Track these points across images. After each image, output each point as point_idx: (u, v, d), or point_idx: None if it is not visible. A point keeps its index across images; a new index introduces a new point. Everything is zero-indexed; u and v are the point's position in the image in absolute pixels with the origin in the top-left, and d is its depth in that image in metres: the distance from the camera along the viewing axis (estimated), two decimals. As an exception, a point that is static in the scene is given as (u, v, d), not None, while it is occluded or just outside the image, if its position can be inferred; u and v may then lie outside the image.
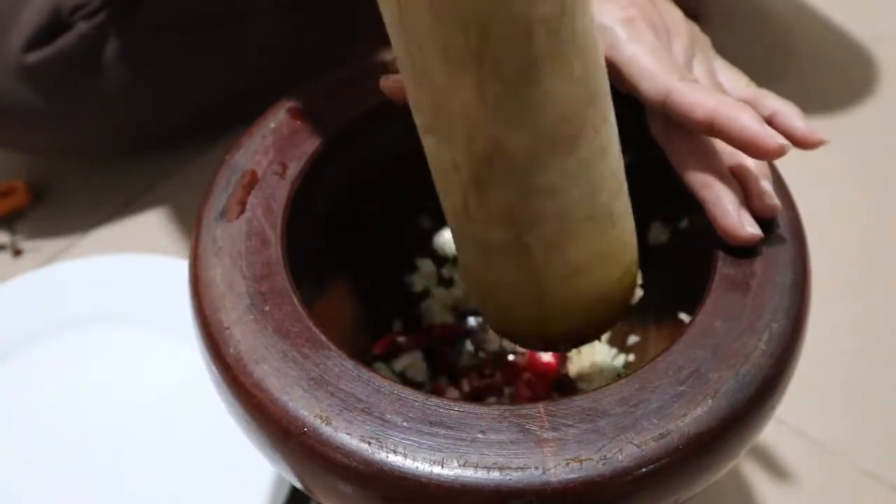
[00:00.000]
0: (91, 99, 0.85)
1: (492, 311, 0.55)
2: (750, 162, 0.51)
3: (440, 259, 0.68)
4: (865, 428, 0.75)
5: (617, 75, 0.52)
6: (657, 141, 0.53)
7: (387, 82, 0.54)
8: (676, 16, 0.55)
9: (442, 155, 0.48)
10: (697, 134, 0.50)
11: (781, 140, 0.47)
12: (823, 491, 0.71)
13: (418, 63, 0.44)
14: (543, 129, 0.45)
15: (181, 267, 0.68)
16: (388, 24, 0.44)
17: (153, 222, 0.90)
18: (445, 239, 0.67)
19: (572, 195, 0.47)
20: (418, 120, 0.47)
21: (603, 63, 0.46)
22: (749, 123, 0.48)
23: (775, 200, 0.50)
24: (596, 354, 0.65)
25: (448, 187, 0.49)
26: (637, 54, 0.51)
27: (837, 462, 0.72)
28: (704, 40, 0.57)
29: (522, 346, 0.58)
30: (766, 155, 0.48)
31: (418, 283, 0.68)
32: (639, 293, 0.56)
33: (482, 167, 0.46)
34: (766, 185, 0.51)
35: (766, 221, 0.50)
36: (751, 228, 0.49)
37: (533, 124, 0.44)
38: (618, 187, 0.50)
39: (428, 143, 0.48)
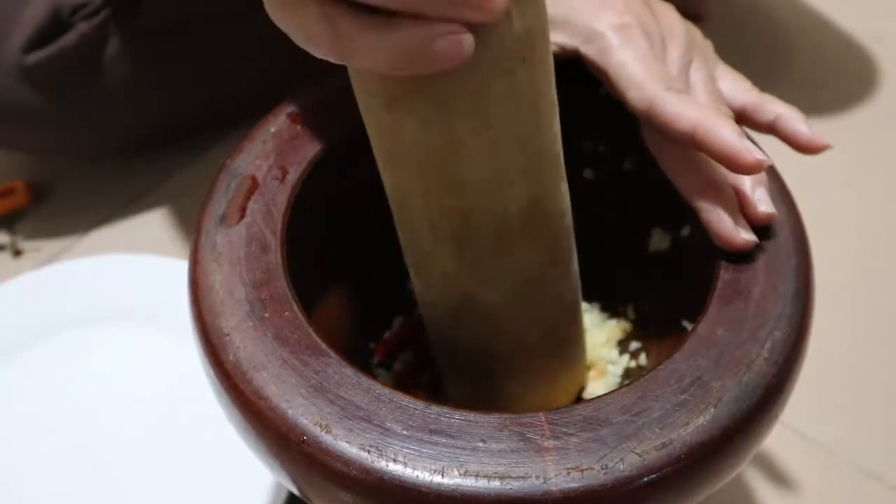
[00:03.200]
0: (91, 99, 0.85)
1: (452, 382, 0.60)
2: None
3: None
4: (865, 428, 0.75)
5: (606, 82, 0.52)
6: (650, 149, 0.53)
7: None
8: (675, 22, 0.55)
9: (422, 292, 0.54)
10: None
11: (759, 155, 0.47)
12: (823, 491, 0.71)
13: (409, 223, 0.50)
14: (510, 288, 0.51)
15: (181, 267, 0.68)
16: (386, 186, 0.49)
17: (153, 222, 0.90)
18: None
19: (534, 334, 0.54)
20: (405, 256, 0.53)
21: (569, 225, 0.52)
22: (728, 137, 0.47)
23: (770, 208, 0.50)
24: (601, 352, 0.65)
25: (428, 312, 0.55)
26: (626, 61, 0.51)
27: (837, 462, 0.72)
28: (705, 45, 0.56)
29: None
30: (744, 169, 0.48)
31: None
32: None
33: (457, 308, 0.52)
34: (761, 193, 0.50)
35: (768, 228, 0.50)
36: (746, 235, 0.49)
37: (500, 283, 0.50)
38: (572, 318, 0.57)
39: (413, 278, 0.54)
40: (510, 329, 0.53)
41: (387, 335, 0.66)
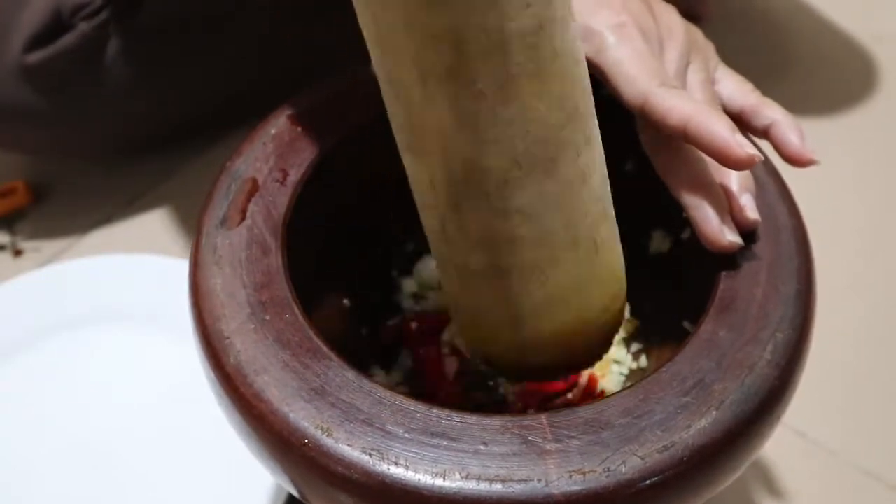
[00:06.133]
0: (91, 99, 0.85)
1: (471, 337, 0.55)
2: (734, 174, 0.51)
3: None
4: (865, 428, 0.75)
5: (604, 80, 0.52)
6: (645, 150, 0.53)
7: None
8: (674, 22, 0.55)
9: (420, 175, 0.47)
10: (683, 143, 0.50)
11: (751, 150, 0.47)
12: (824, 491, 0.71)
13: (395, 79, 0.44)
14: (520, 150, 0.44)
15: (181, 267, 0.68)
16: (367, 41, 0.44)
17: (153, 222, 0.90)
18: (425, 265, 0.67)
19: (552, 220, 0.47)
20: (398, 138, 0.47)
21: (587, 83, 0.46)
22: (720, 131, 0.47)
23: (755, 215, 0.50)
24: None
25: (427, 208, 0.49)
26: (621, 59, 0.51)
27: (837, 462, 0.72)
28: (706, 46, 0.57)
29: (501, 374, 0.58)
30: (735, 164, 0.48)
31: (405, 301, 0.68)
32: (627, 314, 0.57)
33: (458, 188, 0.46)
34: (747, 199, 0.50)
35: (770, 230, 0.50)
36: (731, 237, 0.49)
37: (509, 144, 0.44)
38: (602, 212, 0.49)
39: (407, 161, 0.48)
40: (523, 212, 0.46)
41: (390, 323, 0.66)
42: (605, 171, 0.49)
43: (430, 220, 0.50)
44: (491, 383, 0.64)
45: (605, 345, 0.55)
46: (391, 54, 0.43)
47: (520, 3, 0.40)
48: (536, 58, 0.42)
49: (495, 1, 0.40)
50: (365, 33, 0.43)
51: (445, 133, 0.44)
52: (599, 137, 0.48)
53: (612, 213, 0.51)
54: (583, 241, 0.49)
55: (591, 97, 0.46)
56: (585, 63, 0.46)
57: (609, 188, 0.50)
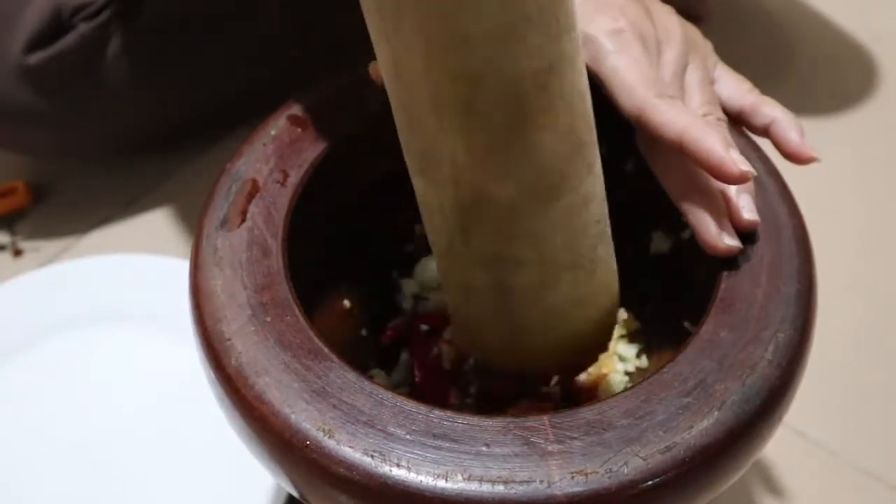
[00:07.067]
0: (92, 100, 0.85)
1: (471, 345, 0.57)
2: None
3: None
4: (866, 428, 0.75)
5: (601, 86, 0.52)
6: (642, 152, 0.53)
7: (375, 69, 0.54)
8: (672, 23, 0.55)
9: (429, 198, 0.49)
10: None
11: (745, 167, 0.47)
12: (824, 491, 0.71)
13: (410, 108, 0.45)
14: (528, 179, 0.46)
15: (181, 267, 0.68)
16: (383, 72, 0.45)
17: (153, 222, 0.90)
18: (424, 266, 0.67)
19: (554, 242, 0.49)
20: (409, 161, 0.48)
21: (591, 115, 0.47)
22: (714, 147, 0.47)
23: (753, 216, 0.50)
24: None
25: (434, 227, 0.51)
26: (619, 67, 0.51)
27: (837, 462, 0.72)
28: (705, 47, 0.56)
29: (497, 377, 0.59)
30: (728, 180, 0.48)
31: (405, 301, 0.68)
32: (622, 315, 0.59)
33: (467, 213, 0.48)
34: (745, 200, 0.50)
35: (771, 230, 0.50)
36: (729, 241, 0.49)
37: (518, 174, 0.46)
38: (600, 233, 0.51)
39: (417, 185, 0.49)
40: (528, 236, 0.49)
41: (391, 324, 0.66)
42: (604, 193, 0.51)
43: (436, 238, 0.51)
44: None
45: (599, 351, 0.57)
46: (408, 88, 0.44)
47: (533, 46, 0.42)
48: (546, 95, 0.44)
49: (510, 46, 0.42)
50: (381, 66, 0.45)
51: (457, 163, 0.46)
52: (600, 163, 0.50)
53: (609, 232, 0.53)
54: (582, 261, 0.51)
55: (594, 127, 0.48)
56: (589, 94, 0.48)
57: (607, 208, 0.51)
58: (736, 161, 0.47)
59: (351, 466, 0.41)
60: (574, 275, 0.51)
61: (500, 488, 0.40)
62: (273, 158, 0.54)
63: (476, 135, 0.44)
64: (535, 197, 0.47)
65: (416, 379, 0.62)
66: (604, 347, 0.57)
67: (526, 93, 0.43)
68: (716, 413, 0.43)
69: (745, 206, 0.50)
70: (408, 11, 0.41)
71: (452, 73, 0.42)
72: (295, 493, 0.45)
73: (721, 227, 0.49)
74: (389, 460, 0.41)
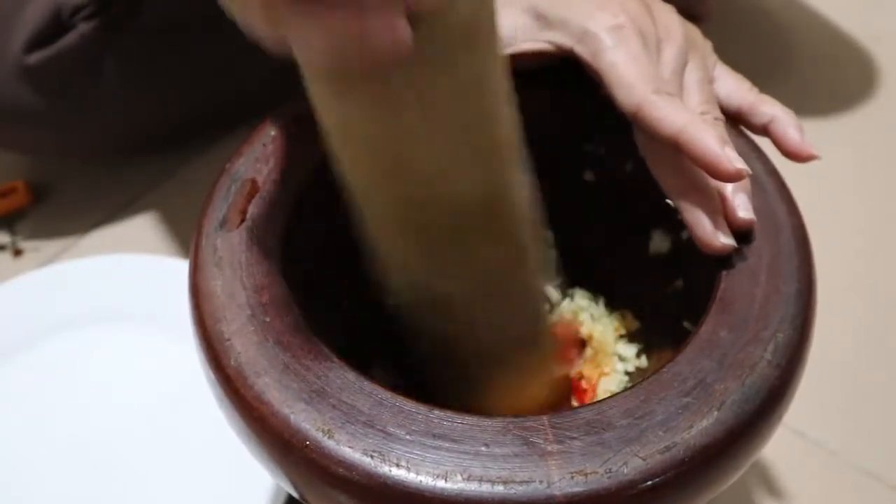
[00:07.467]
0: (91, 99, 0.85)
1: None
2: None
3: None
4: (865, 428, 0.75)
5: (600, 82, 0.52)
6: (639, 149, 0.53)
7: None
8: (672, 22, 0.55)
9: (386, 284, 0.53)
10: None
11: (740, 165, 0.47)
12: (823, 491, 0.71)
13: (367, 219, 0.49)
14: (471, 281, 0.51)
15: (181, 267, 0.68)
16: (345, 180, 0.48)
17: (153, 222, 0.90)
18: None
19: (499, 323, 0.53)
20: (370, 249, 0.52)
21: (530, 216, 0.51)
22: (710, 145, 0.47)
23: (749, 214, 0.50)
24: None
25: (394, 304, 0.55)
26: (617, 63, 0.51)
27: (837, 462, 0.72)
28: (704, 45, 0.56)
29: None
30: (724, 178, 0.48)
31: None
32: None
33: (420, 302, 0.53)
34: (741, 199, 0.50)
35: (770, 230, 0.50)
36: (724, 239, 0.49)
37: (460, 276, 0.50)
38: (541, 316, 0.57)
39: (376, 269, 0.53)
40: (474, 321, 0.53)
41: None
42: (542, 283, 0.58)
43: (391, 302, 0.56)
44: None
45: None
46: (367, 205, 0.49)
47: (475, 182, 0.46)
48: (488, 214, 0.48)
49: (453, 180, 0.45)
50: (344, 177, 0.48)
51: (410, 265, 0.50)
52: (543, 258, 0.55)
53: (547, 315, 0.60)
54: (524, 341, 0.57)
55: (537, 227, 0.52)
56: (530, 203, 0.51)
57: (545, 292, 0.59)
58: (731, 159, 0.47)
59: (350, 466, 0.41)
60: (518, 353, 0.56)
61: (499, 488, 0.40)
62: (273, 158, 0.54)
63: (425, 246, 0.49)
64: (476, 295, 0.52)
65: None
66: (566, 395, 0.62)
67: (469, 213, 0.47)
68: (715, 413, 0.43)
69: (741, 205, 0.50)
70: (362, 146, 0.45)
71: (403, 198, 0.46)
72: (294, 494, 0.45)
73: (716, 225, 0.49)
74: (389, 460, 0.41)
